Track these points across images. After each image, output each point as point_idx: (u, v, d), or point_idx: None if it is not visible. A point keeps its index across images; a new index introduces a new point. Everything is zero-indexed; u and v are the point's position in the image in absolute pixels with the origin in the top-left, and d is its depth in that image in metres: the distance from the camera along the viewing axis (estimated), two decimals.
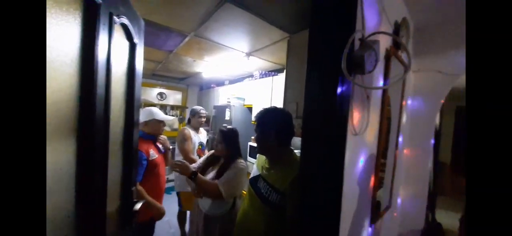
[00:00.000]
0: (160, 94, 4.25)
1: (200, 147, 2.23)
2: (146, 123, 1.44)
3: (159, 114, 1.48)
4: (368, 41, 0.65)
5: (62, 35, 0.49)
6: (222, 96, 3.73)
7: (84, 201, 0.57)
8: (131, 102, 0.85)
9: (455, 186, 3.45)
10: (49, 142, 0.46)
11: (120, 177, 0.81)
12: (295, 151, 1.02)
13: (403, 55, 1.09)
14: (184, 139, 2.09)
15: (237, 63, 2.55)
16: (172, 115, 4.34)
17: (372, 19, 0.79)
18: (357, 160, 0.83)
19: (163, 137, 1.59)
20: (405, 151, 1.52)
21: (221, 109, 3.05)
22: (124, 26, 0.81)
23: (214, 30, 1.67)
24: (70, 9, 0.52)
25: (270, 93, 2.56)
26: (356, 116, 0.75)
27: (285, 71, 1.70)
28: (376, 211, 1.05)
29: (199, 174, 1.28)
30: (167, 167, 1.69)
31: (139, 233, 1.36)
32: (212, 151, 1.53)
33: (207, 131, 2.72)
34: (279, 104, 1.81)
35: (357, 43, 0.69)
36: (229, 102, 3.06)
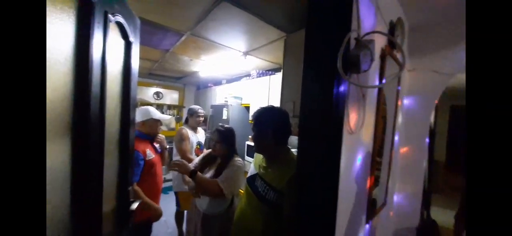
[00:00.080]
0: (157, 93, 4.22)
1: (198, 146, 2.22)
2: (143, 122, 1.42)
3: (156, 113, 1.47)
4: (364, 41, 0.66)
5: (56, 33, 0.48)
6: (219, 96, 3.72)
7: (79, 201, 0.57)
8: (127, 101, 0.84)
9: (450, 184, 3.50)
10: None
11: (116, 177, 0.81)
12: (292, 150, 1.02)
13: (398, 55, 1.10)
14: (181, 139, 2.08)
15: (234, 62, 2.54)
16: (169, 115, 4.31)
17: (367, 19, 0.80)
18: (353, 158, 0.83)
19: (161, 136, 1.58)
20: (400, 149, 1.54)
21: (218, 109, 3.04)
22: (119, 25, 0.81)
23: (211, 29, 1.67)
24: (64, 7, 0.51)
25: (268, 92, 2.56)
26: (352, 115, 0.75)
27: (282, 70, 1.70)
28: (372, 209, 1.06)
29: (198, 173, 1.28)
30: (164, 166, 1.68)
31: (136, 234, 1.35)
32: (208, 150, 1.53)
33: (205, 130, 2.72)
34: (277, 103, 1.82)
35: (353, 43, 0.69)
36: (227, 101, 3.06)
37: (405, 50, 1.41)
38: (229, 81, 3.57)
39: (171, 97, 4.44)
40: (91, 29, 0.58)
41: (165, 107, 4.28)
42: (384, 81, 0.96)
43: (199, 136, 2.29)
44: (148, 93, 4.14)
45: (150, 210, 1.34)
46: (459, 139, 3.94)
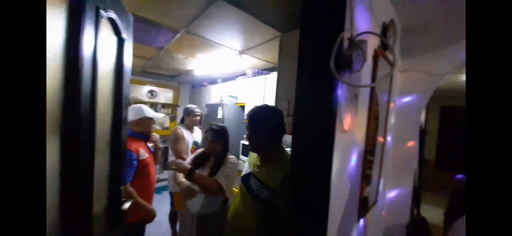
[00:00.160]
0: (151, 91, 4.16)
1: (194, 146, 2.20)
2: (136, 121, 1.40)
3: (149, 112, 1.45)
4: (356, 41, 0.67)
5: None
6: (214, 95, 3.71)
7: (68, 201, 0.56)
8: (119, 99, 0.83)
9: (439, 182, 3.61)
10: None
11: (107, 177, 0.80)
12: (287, 149, 1.03)
13: (390, 56, 1.12)
14: (176, 138, 2.05)
15: (229, 61, 2.53)
16: (163, 113, 4.26)
17: (360, 20, 0.81)
18: (345, 157, 0.85)
19: (155, 135, 1.56)
20: (392, 148, 1.57)
21: (213, 108, 3.03)
22: (111, 21, 0.79)
23: (206, 27, 1.66)
24: (54, 2, 0.50)
25: (263, 91, 2.57)
26: (344, 115, 0.77)
27: (277, 69, 1.71)
28: (364, 207, 1.08)
29: (196, 171, 1.28)
30: (157, 166, 1.66)
31: (130, 235, 1.34)
32: (200, 150, 1.52)
33: (201, 129, 2.70)
34: (272, 102, 1.82)
35: (346, 43, 0.70)
36: (222, 100, 3.04)
37: (397, 51, 1.44)
38: (225, 80, 3.56)
39: (165, 95, 4.38)
40: (81, 25, 0.57)
41: (159, 106, 4.23)
42: (376, 81, 0.98)
43: (195, 135, 2.27)
44: (142, 91, 4.07)
45: (143, 211, 1.33)
46: (449, 138, 4.06)
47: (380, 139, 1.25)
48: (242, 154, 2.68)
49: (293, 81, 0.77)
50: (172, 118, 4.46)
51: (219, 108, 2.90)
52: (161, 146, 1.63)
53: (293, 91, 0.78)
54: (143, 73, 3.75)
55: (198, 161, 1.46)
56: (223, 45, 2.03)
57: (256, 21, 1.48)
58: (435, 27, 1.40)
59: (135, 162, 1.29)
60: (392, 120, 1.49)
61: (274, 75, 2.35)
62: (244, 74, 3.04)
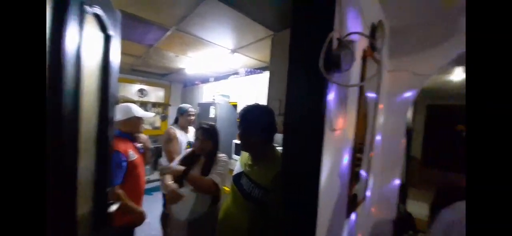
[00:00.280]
0: (141, 90, 4.06)
1: (188, 146, 2.16)
2: (124, 121, 1.35)
3: (138, 111, 1.40)
4: (345, 41, 0.68)
5: None
6: (206, 94, 3.67)
7: (51, 203, 0.53)
8: (106, 97, 0.80)
9: (424, 178, 3.75)
10: None
11: (93, 178, 0.77)
12: (278, 148, 1.04)
13: (378, 56, 1.15)
14: (169, 139, 2.01)
15: (221, 59, 2.52)
16: (154, 113, 4.16)
17: (350, 21, 0.83)
18: (335, 155, 0.87)
19: (144, 136, 1.51)
20: (380, 146, 1.62)
21: (205, 107, 2.99)
22: (97, 17, 0.77)
23: (197, 25, 1.63)
24: None
25: (256, 91, 2.57)
26: (334, 114, 0.78)
27: (269, 68, 1.71)
28: (353, 203, 1.11)
29: (191, 172, 1.26)
30: (147, 166, 1.62)
31: None
32: (188, 150, 1.50)
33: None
34: (265, 102, 1.82)
35: (335, 43, 0.71)
36: (214, 99, 3.02)
37: (385, 52, 1.49)
38: (217, 79, 3.53)
39: (156, 94, 4.28)
40: (65, 20, 0.54)
41: (149, 105, 4.13)
42: (364, 80, 1.00)
43: (190, 136, 2.22)
44: (132, 90, 3.96)
45: (133, 214, 1.29)
46: (435, 136, 4.24)
47: (368, 137, 1.28)
48: (235, 154, 2.67)
49: (285, 80, 0.78)
50: (163, 118, 4.37)
51: (212, 107, 2.88)
52: (151, 146, 1.58)
53: (284, 90, 0.79)
54: (133, 71, 3.65)
55: (188, 161, 1.43)
56: (215, 44, 2.01)
57: (248, 20, 1.47)
58: (422, 28, 1.45)
59: (124, 164, 1.26)
60: (380, 118, 1.53)
61: (267, 74, 2.35)
62: (236, 73, 3.02)
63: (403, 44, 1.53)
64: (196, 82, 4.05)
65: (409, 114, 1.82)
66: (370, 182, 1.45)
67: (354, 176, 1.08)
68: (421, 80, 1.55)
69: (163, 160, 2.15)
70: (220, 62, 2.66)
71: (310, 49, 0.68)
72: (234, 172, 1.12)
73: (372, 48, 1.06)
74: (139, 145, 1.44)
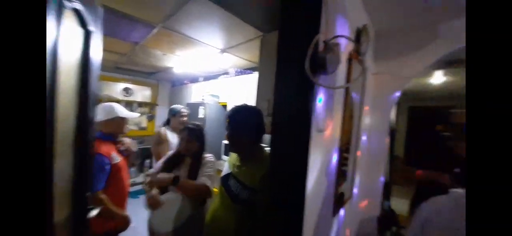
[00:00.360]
0: (126, 89, 3.90)
1: None
2: (107, 121, 1.27)
3: (122, 111, 1.33)
4: (331, 44, 0.70)
5: None
6: (195, 93, 3.61)
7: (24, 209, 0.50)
8: (85, 96, 0.76)
9: (406, 176, 3.93)
10: None
11: (71, 182, 0.73)
12: (267, 148, 1.04)
13: (364, 59, 1.19)
14: (159, 141, 1.94)
15: (211, 59, 2.48)
16: (139, 113, 4.02)
17: (336, 24, 0.85)
18: (322, 155, 0.88)
19: (128, 140, 1.43)
20: (365, 146, 1.67)
21: (194, 107, 2.94)
22: (76, 12, 0.73)
23: (185, 23, 1.60)
24: None
25: (246, 91, 2.56)
26: (320, 114, 0.80)
27: (258, 69, 1.71)
28: (340, 202, 1.14)
29: (182, 179, 1.22)
30: (133, 169, 1.56)
31: None
32: (171, 152, 1.46)
33: None
34: (254, 102, 1.82)
35: (321, 46, 0.73)
36: (204, 99, 2.97)
37: (370, 55, 1.54)
38: (207, 78, 3.48)
39: (142, 94, 4.14)
40: None
41: (135, 105, 3.98)
42: (350, 82, 1.03)
43: None
44: (116, 89, 3.80)
45: (116, 219, 1.23)
46: (417, 136, 4.46)
47: (354, 137, 1.32)
48: (224, 154, 2.65)
49: (273, 81, 0.78)
50: (150, 118, 4.24)
51: (201, 107, 2.83)
52: (135, 149, 1.50)
53: (273, 91, 0.79)
54: (117, 69, 3.51)
55: (172, 162, 1.38)
56: (204, 43, 1.98)
57: (237, 20, 1.47)
58: (405, 33, 1.52)
59: (107, 167, 1.19)
60: (366, 119, 1.58)
61: (257, 75, 2.35)
62: (226, 73, 3.00)
63: (387, 48, 1.59)
64: (185, 82, 3.97)
65: (393, 115, 1.90)
66: (357, 180, 1.49)
67: (340, 175, 1.10)
68: (403, 82, 1.63)
69: (154, 164, 2.07)
70: (209, 62, 2.62)
71: (297, 50, 0.69)
72: (223, 173, 1.11)
73: (357, 51, 1.10)
74: (122, 148, 1.37)
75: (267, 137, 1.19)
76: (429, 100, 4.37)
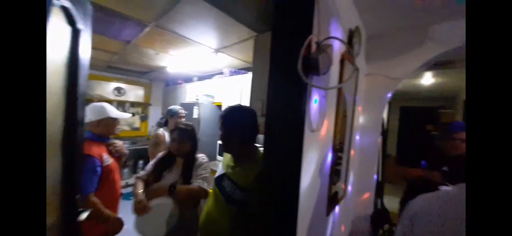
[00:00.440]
0: (118, 89, 3.82)
1: None
2: (98, 122, 1.23)
3: (113, 111, 1.29)
4: (323, 45, 0.70)
5: None
6: (190, 93, 3.57)
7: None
8: (74, 96, 0.74)
9: (398, 174, 4.02)
10: None
11: (59, 184, 0.71)
12: (261, 149, 1.04)
13: (356, 60, 1.21)
14: (156, 142, 1.91)
15: (205, 59, 2.46)
16: (131, 113, 3.94)
17: (328, 26, 0.86)
18: (315, 154, 0.89)
19: (119, 142, 1.38)
20: (358, 145, 1.70)
21: (188, 107, 2.91)
22: (64, 9, 0.71)
23: (179, 22, 1.58)
24: None
25: (240, 91, 2.56)
26: (313, 114, 0.80)
27: (252, 69, 1.71)
28: (334, 201, 1.15)
29: (178, 186, 1.19)
30: (125, 170, 1.53)
31: None
32: (162, 153, 1.44)
33: None
34: (249, 102, 1.82)
35: (314, 47, 0.73)
36: (198, 99, 2.95)
37: (362, 56, 1.56)
38: (201, 78, 3.45)
39: (135, 93, 4.07)
40: None
41: (128, 105, 3.91)
42: (342, 83, 1.04)
43: None
44: (108, 88, 3.72)
45: (109, 222, 1.20)
46: (408, 135, 4.57)
47: (348, 136, 1.34)
48: (219, 155, 2.64)
49: (267, 81, 0.79)
50: (143, 118, 4.17)
51: (195, 107, 2.81)
52: (126, 152, 1.45)
53: (266, 92, 0.79)
54: (109, 68, 3.43)
55: (163, 164, 1.36)
56: (198, 42, 1.96)
57: (231, 20, 1.46)
58: (396, 35, 1.55)
59: (99, 169, 1.16)
60: (358, 119, 1.61)
61: (251, 75, 2.35)
62: (221, 73, 2.98)
63: (378, 49, 1.62)
64: (179, 81, 3.92)
65: (385, 114, 1.93)
66: (351, 179, 1.52)
67: (335, 174, 1.12)
68: (394, 83, 1.66)
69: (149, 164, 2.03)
70: (203, 61, 2.60)
71: (290, 51, 0.69)
72: (217, 174, 1.10)
73: (349, 52, 1.11)
74: (113, 150, 1.33)
75: (261, 137, 1.19)
76: (419, 100, 4.49)
